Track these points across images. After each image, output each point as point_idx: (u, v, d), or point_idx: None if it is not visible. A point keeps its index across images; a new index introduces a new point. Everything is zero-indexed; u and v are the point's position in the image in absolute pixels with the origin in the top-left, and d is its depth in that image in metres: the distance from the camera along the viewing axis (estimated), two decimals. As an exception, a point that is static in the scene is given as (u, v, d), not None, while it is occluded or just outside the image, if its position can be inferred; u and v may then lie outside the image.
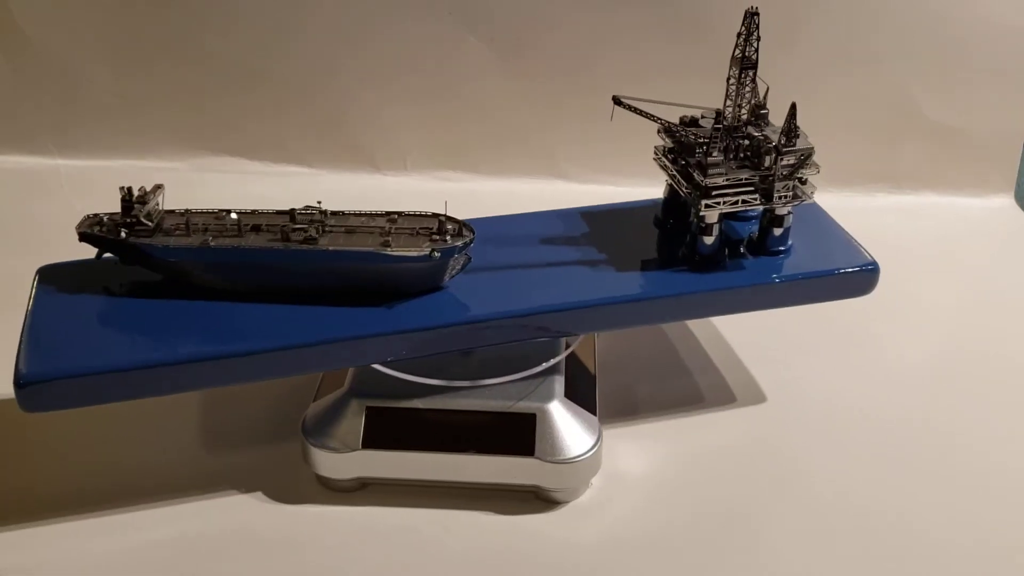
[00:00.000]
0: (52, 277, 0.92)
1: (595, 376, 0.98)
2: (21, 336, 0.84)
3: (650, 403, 1.05)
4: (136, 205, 0.88)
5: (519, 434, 0.88)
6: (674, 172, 0.96)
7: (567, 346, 0.96)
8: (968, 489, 0.95)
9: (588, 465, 0.89)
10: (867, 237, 1.37)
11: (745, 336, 1.16)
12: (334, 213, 0.90)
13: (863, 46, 1.42)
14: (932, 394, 1.08)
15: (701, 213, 0.92)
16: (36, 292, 0.91)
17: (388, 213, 0.91)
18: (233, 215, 0.90)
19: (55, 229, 1.36)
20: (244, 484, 0.93)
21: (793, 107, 0.90)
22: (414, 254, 0.85)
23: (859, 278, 0.97)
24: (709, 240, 0.94)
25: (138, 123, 1.51)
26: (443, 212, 0.90)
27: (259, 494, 0.92)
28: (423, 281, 0.89)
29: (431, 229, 0.88)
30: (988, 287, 1.28)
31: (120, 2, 1.44)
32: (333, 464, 0.90)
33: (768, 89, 0.94)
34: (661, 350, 1.14)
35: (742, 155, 0.93)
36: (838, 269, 0.97)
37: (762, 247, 0.97)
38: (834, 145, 1.48)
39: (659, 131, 0.97)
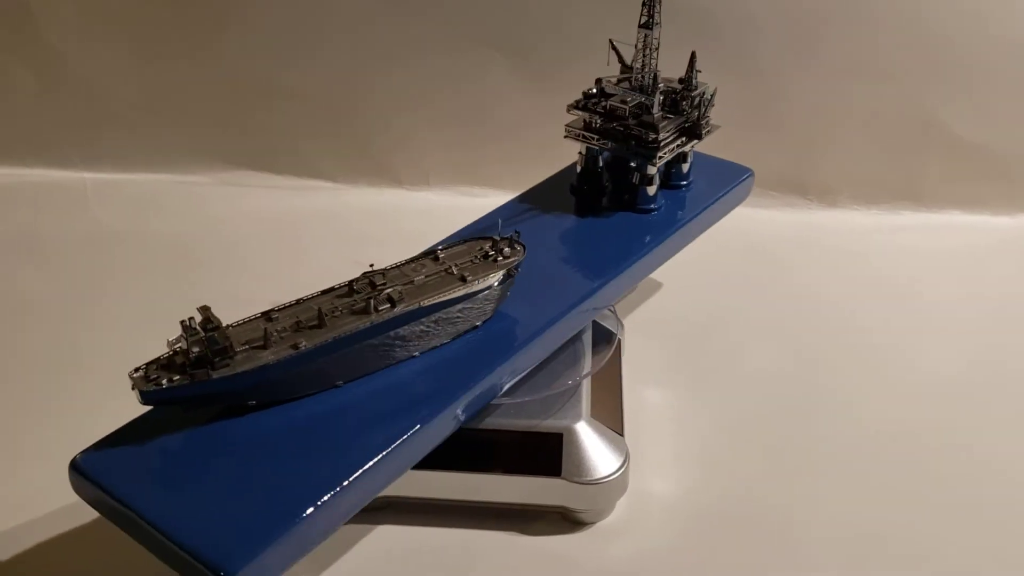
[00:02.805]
0: (98, 461, 0.74)
1: (621, 395, 0.98)
2: (164, 536, 0.68)
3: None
4: (213, 334, 0.73)
5: (546, 454, 0.88)
6: (605, 141, 1.04)
7: (592, 367, 0.96)
8: (980, 505, 0.95)
9: (615, 486, 0.89)
10: (893, 254, 1.37)
11: (772, 360, 1.16)
12: (379, 272, 0.83)
13: (889, 65, 1.41)
14: (959, 409, 1.07)
15: (657, 166, 1.02)
16: (112, 486, 0.71)
17: (426, 254, 0.86)
18: (305, 309, 0.79)
19: (80, 241, 1.38)
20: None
21: (693, 55, 1.03)
22: (503, 276, 0.84)
23: (746, 186, 1.16)
24: (653, 189, 1.04)
25: (163, 137, 1.52)
26: (474, 236, 0.89)
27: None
28: (498, 303, 0.87)
29: (487, 252, 0.86)
30: (1015, 304, 1.27)
31: (148, 18, 1.45)
32: (359, 483, 0.89)
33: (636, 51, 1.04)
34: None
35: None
36: (734, 183, 1.13)
37: (670, 183, 1.10)
38: (860, 163, 1.48)
39: (570, 108, 1.05)
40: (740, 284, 1.31)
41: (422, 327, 0.81)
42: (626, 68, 1.03)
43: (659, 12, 0.99)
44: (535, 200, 1.09)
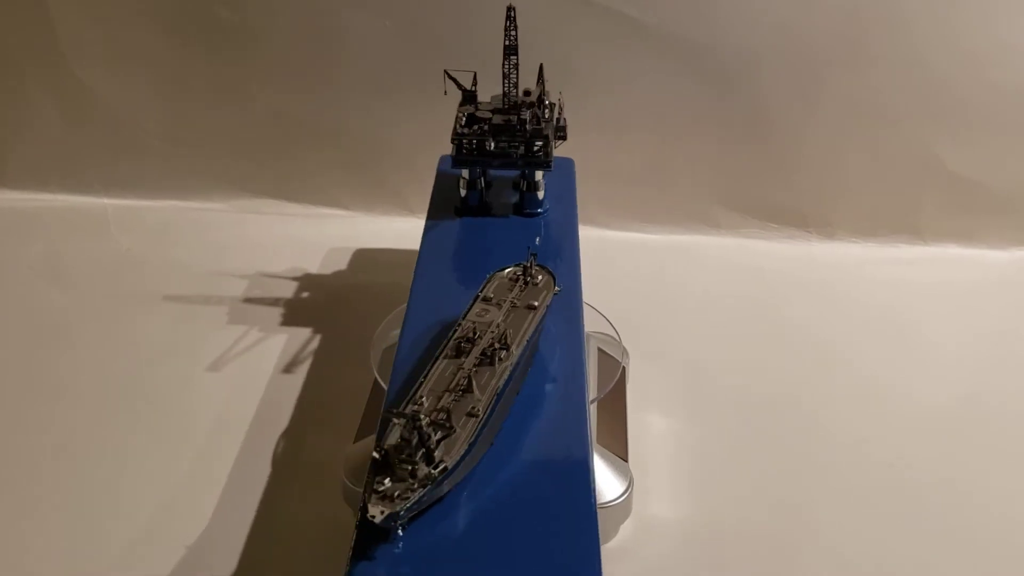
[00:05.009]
0: None
1: (626, 422, 1.01)
2: None
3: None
4: (423, 423, 0.67)
5: (553, 478, 0.91)
6: (494, 160, 1.08)
7: (597, 393, 0.99)
8: (976, 542, 0.97)
9: (620, 510, 0.92)
10: (890, 287, 1.41)
11: (771, 389, 1.19)
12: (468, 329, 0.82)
13: (890, 105, 1.45)
14: (955, 441, 1.10)
15: (546, 174, 1.09)
16: None
17: (476, 300, 0.86)
18: (439, 380, 0.76)
19: (101, 266, 1.42)
20: (284, 528, 0.96)
21: (540, 67, 1.08)
22: (556, 291, 0.87)
23: (574, 172, 1.20)
24: (541, 193, 1.10)
25: (183, 165, 1.56)
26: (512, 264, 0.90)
27: (297, 536, 0.95)
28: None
29: (524, 279, 0.88)
30: (1011, 339, 1.30)
31: (169, 49, 1.49)
32: (376, 505, 0.91)
33: (476, 73, 1.09)
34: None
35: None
36: (572, 172, 1.19)
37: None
38: (858, 197, 1.52)
39: (453, 139, 1.07)
40: (740, 313, 1.34)
41: (527, 360, 0.83)
42: (467, 93, 1.09)
43: (515, 37, 1.03)
44: (440, 226, 1.12)
